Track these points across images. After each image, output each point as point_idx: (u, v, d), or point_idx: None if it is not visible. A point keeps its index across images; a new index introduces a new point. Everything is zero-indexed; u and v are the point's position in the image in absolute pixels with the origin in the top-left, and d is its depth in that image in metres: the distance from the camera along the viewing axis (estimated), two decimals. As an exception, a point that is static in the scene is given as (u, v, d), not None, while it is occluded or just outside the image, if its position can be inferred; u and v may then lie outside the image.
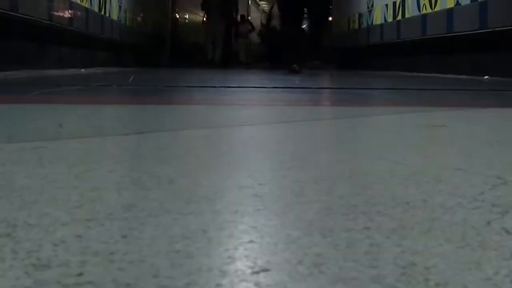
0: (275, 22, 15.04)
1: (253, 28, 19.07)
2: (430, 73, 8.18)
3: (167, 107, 2.97)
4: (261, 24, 19.41)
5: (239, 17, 18.12)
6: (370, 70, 10.61)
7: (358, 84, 5.69)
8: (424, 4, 8.85)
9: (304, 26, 8.78)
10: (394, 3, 10.27)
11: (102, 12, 9.73)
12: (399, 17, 10.07)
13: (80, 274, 0.60)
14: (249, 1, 24.07)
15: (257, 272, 0.61)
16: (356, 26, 12.78)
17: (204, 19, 16.14)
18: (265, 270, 0.62)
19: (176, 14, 17.44)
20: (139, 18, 12.93)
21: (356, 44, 12.69)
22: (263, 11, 25.89)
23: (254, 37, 19.14)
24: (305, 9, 8.15)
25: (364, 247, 0.69)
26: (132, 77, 5.85)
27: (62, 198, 0.91)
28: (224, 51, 15.24)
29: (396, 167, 1.22)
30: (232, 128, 2.00)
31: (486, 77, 6.51)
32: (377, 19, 11.29)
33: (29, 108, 2.63)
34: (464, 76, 7.04)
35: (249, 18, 21.07)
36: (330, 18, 16.92)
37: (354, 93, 4.45)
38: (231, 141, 1.69)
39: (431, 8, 8.62)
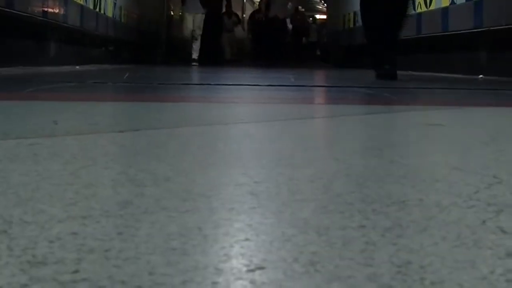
0: (277, 10, 14.30)
1: (239, 20, 17.04)
2: (424, 72, 8.18)
3: (163, 105, 2.97)
4: (250, 17, 17.54)
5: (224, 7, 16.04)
6: (366, 68, 10.61)
7: (354, 82, 5.69)
8: (419, 3, 8.86)
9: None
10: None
11: (97, 9, 9.72)
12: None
13: (76, 271, 0.60)
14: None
15: (252, 270, 0.61)
16: (351, 24, 12.77)
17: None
18: (261, 268, 0.62)
19: (171, 11, 17.43)
20: (134, 15, 12.92)
21: (352, 42, 12.68)
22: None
23: (240, 31, 17.50)
24: None
25: (360, 246, 0.69)
26: (127, 74, 5.85)
27: (57, 195, 0.91)
28: (208, 47, 12.85)
29: (392, 166, 1.22)
30: (228, 125, 2.00)
31: (481, 76, 6.52)
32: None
33: (24, 105, 2.63)
34: (458, 75, 7.05)
35: (244, 16, 20.40)
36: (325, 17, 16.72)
37: (350, 91, 4.46)
38: (227, 139, 1.69)
39: (426, 7, 8.63)
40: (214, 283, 0.58)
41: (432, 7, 8.40)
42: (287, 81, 5.39)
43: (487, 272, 0.62)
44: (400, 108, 2.85)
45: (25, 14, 6.40)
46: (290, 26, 16.67)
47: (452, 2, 7.76)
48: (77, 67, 7.73)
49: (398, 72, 5.73)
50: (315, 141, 1.69)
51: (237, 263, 0.63)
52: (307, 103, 3.40)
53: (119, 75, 5.73)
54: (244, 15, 20.52)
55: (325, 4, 16.71)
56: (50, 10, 7.30)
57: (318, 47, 20.10)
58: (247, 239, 0.71)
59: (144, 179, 1.04)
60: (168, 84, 4.88)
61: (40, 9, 6.97)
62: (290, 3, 15.02)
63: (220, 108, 2.74)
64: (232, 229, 0.76)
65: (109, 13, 10.63)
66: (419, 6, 8.88)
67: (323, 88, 5.06)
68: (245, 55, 17.65)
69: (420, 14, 8.83)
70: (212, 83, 4.86)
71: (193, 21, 12.52)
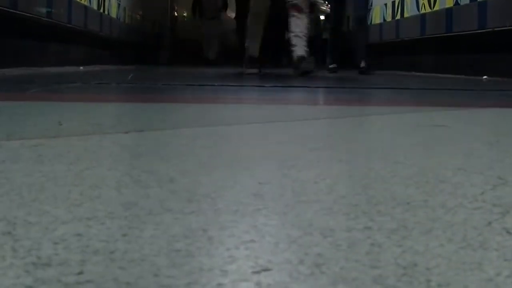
0: None
1: (225, 5, 13.49)
2: (428, 73, 8.17)
3: (167, 105, 2.97)
4: None
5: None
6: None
7: (358, 83, 5.69)
8: (423, 4, 8.85)
9: None
10: (393, 3, 10.26)
11: (101, 10, 9.72)
12: (398, 17, 10.06)
13: (81, 273, 0.60)
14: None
15: (258, 272, 0.61)
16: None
17: None
18: (266, 269, 0.61)
19: (175, 12, 17.44)
20: (138, 16, 12.92)
21: (355, 43, 12.66)
22: None
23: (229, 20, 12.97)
24: None
25: (365, 247, 0.69)
26: (131, 75, 5.85)
27: (62, 196, 0.91)
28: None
29: (397, 167, 1.22)
30: (232, 126, 2.00)
31: (485, 77, 6.51)
32: (376, 19, 11.28)
33: (28, 105, 2.63)
34: (462, 76, 7.04)
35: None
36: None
37: (354, 92, 4.45)
38: (231, 140, 1.69)
39: (430, 8, 8.62)
40: (220, 284, 0.57)
41: (436, 7, 8.39)
42: (291, 82, 5.39)
43: (493, 274, 0.62)
44: (404, 109, 2.85)
45: (29, 15, 6.40)
46: None
47: (456, 3, 7.75)
48: (81, 67, 7.73)
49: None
50: (319, 142, 1.69)
51: (243, 264, 0.63)
52: (310, 104, 3.39)
53: (123, 76, 5.73)
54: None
55: (329, 5, 16.28)
56: (54, 11, 7.30)
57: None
58: (252, 241, 0.71)
59: (149, 180, 1.03)
60: (172, 85, 4.88)
61: (44, 10, 6.97)
62: None
63: (224, 109, 2.74)
64: (237, 230, 0.76)
65: (113, 14, 10.63)
66: (423, 7, 8.87)
67: (327, 89, 5.05)
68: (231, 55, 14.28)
69: (424, 14, 8.82)
70: (216, 84, 4.86)
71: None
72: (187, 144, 1.59)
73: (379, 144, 1.65)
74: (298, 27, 6.73)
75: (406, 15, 9.69)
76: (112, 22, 10.55)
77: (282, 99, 3.50)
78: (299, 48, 6.71)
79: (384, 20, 10.82)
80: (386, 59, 10.62)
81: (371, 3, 11.19)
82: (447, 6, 8.04)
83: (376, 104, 3.45)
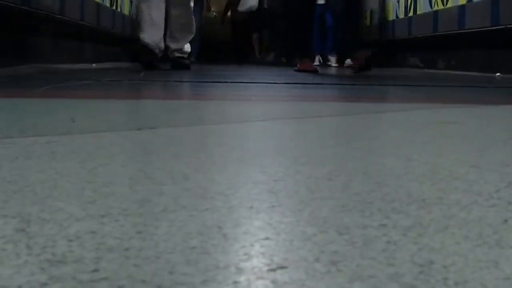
0: None
1: None
2: (440, 70, 8.15)
3: (179, 102, 2.97)
4: None
5: None
6: (380, 66, 10.58)
7: (369, 80, 5.67)
8: (436, 1, 8.82)
9: None
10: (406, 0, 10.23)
11: (114, 7, 9.73)
12: (411, 14, 10.03)
13: (96, 270, 0.59)
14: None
15: (274, 270, 0.60)
16: (368, 23, 12.74)
17: None
18: (282, 267, 0.61)
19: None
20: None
21: (367, 40, 12.64)
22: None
23: None
24: None
25: (381, 245, 0.69)
26: (143, 72, 5.85)
27: (75, 193, 0.91)
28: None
29: (411, 164, 1.21)
30: (245, 123, 2.00)
31: (498, 74, 6.48)
32: (389, 15, 11.25)
33: (40, 102, 2.64)
34: (475, 73, 7.02)
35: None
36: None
37: (365, 89, 4.44)
38: (244, 137, 1.69)
39: (443, 5, 8.59)
40: (235, 282, 0.57)
41: (449, 4, 8.37)
42: (303, 79, 5.38)
43: (510, 272, 0.61)
44: (416, 106, 2.84)
45: (41, 12, 6.41)
46: None
47: (469, 0, 7.72)
48: (93, 65, 7.74)
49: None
50: (332, 139, 1.68)
51: (258, 262, 0.63)
52: (323, 101, 3.39)
53: (135, 73, 5.73)
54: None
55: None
56: (66, 7, 7.31)
57: None
58: (267, 238, 0.71)
59: (162, 177, 1.03)
60: (184, 82, 4.88)
61: (57, 7, 6.98)
62: None
63: (237, 106, 2.74)
64: (252, 227, 0.75)
65: (126, 11, 10.64)
66: (435, 4, 8.84)
67: (339, 86, 5.04)
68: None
69: (436, 11, 8.80)
70: (228, 80, 4.86)
71: None
72: (200, 141, 1.59)
73: (391, 141, 1.64)
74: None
75: (418, 12, 9.66)
76: (124, 19, 10.55)
77: (294, 96, 3.49)
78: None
79: (397, 17, 10.79)
80: (399, 56, 10.60)
81: None
82: (460, 3, 8.01)
83: (388, 101, 3.44)
